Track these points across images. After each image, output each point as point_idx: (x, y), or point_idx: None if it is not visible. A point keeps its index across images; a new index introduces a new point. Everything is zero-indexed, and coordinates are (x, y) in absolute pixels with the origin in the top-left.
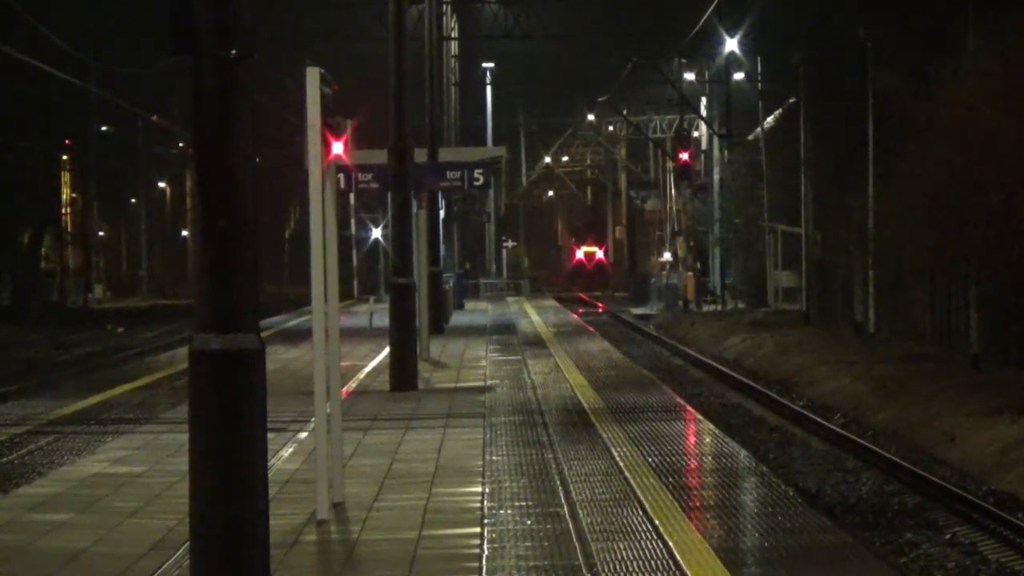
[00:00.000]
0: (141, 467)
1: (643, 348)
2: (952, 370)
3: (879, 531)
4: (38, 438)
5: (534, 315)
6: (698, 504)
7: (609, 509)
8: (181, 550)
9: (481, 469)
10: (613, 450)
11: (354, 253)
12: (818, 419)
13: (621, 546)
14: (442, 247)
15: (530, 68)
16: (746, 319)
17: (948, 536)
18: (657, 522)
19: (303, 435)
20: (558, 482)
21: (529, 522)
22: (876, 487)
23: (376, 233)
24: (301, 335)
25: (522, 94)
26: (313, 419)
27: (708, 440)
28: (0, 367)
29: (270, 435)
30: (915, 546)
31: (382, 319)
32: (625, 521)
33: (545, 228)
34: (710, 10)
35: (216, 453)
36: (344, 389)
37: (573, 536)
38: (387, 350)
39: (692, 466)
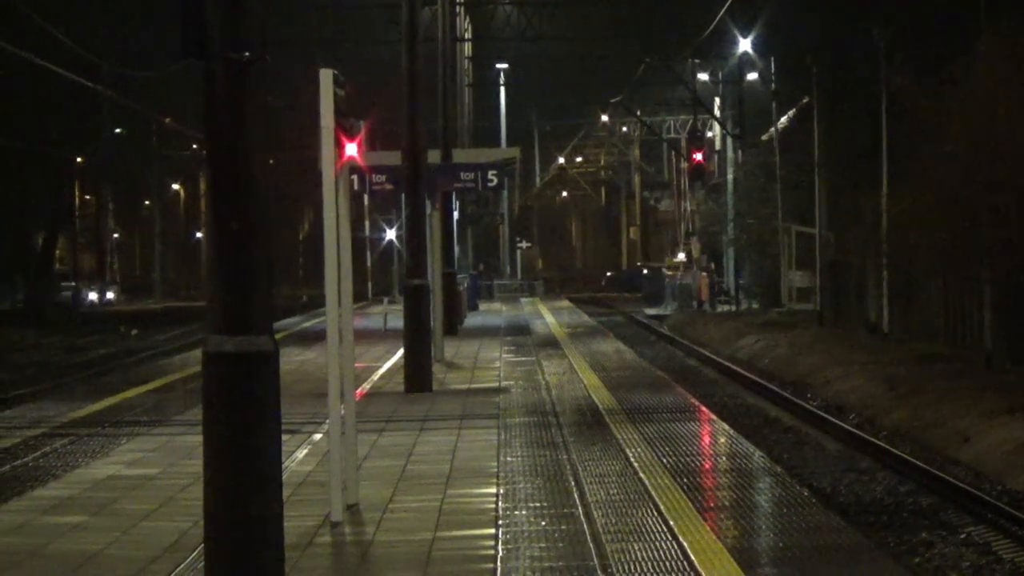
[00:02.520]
0: (155, 469)
1: (657, 348)
2: (966, 370)
3: (893, 531)
4: (52, 440)
5: (548, 316)
6: (712, 504)
7: (624, 510)
8: (196, 552)
9: (496, 470)
10: (627, 451)
11: (368, 254)
12: (832, 419)
13: (636, 547)
14: (456, 248)
15: (543, 69)
16: (760, 319)
17: (963, 536)
18: (672, 523)
19: (317, 436)
20: (572, 483)
21: (544, 523)
22: (890, 487)
23: (390, 234)
24: (315, 336)
25: (536, 95)
26: (327, 421)
27: (722, 440)
28: (14, 370)
29: (284, 437)
30: (930, 546)
31: (396, 320)
32: (640, 522)
33: (559, 229)
34: (723, 11)
35: (230, 455)
36: (358, 390)
37: (588, 537)
38: (401, 351)
39: (706, 467)
